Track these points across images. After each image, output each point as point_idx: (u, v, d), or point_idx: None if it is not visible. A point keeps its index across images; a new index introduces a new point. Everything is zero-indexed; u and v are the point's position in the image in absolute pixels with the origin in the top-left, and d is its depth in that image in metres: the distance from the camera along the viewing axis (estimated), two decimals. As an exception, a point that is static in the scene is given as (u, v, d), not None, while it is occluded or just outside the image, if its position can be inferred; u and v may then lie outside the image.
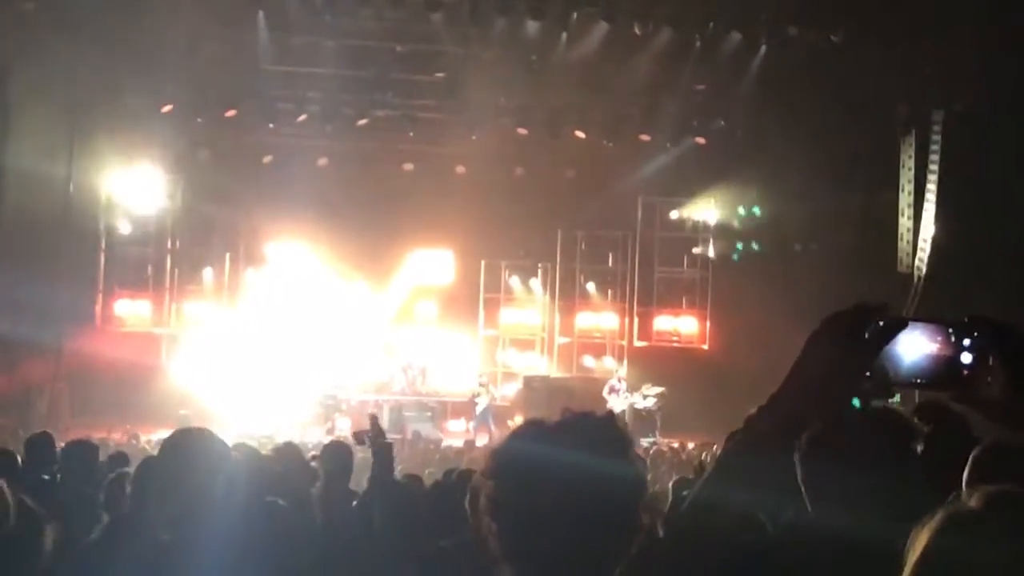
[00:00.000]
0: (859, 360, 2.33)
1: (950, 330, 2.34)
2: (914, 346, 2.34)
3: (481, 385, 29.80)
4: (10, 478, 7.04)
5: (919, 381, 2.36)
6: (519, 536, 2.66)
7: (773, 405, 2.42)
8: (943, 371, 2.33)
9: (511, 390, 31.83)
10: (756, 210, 32.02)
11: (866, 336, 2.34)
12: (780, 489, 2.85)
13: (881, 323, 2.34)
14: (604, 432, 2.91)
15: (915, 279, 28.52)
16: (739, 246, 32.50)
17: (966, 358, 2.32)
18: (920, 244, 28.63)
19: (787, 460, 2.63)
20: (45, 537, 5.68)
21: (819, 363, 2.35)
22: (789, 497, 3.17)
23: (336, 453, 9.48)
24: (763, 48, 29.23)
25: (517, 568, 2.75)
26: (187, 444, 5.14)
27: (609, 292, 34.16)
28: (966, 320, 2.34)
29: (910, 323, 2.36)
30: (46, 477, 8.55)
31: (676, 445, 24.72)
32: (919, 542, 2.13)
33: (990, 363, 2.29)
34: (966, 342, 2.31)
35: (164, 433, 21.63)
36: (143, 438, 21.72)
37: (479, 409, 29.04)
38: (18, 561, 5.50)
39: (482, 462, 3.09)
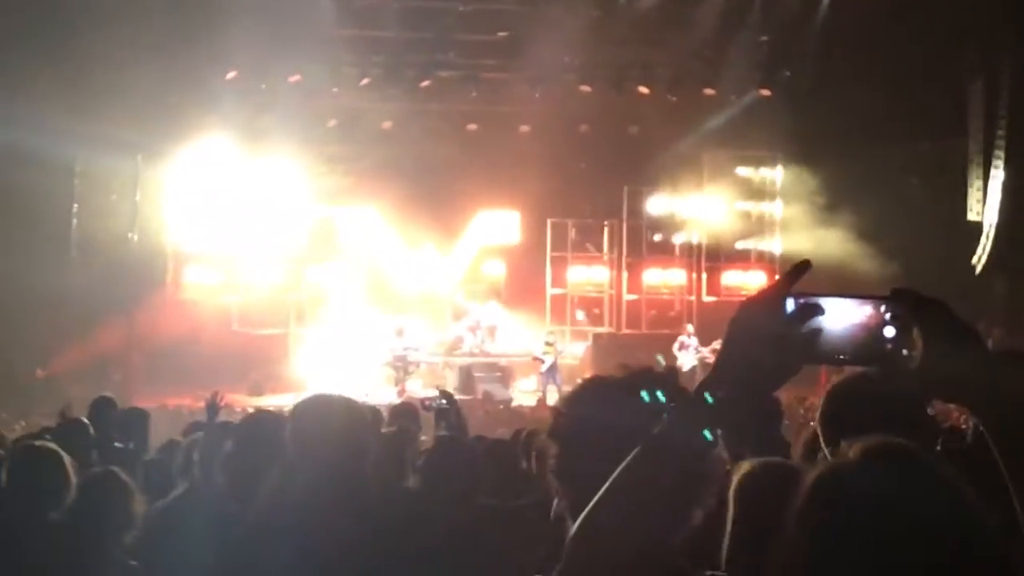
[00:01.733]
0: (781, 341, 2.29)
1: (874, 304, 2.32)
2: (839, 321, 2.31)
3: (548, 344, 29.76)
4: (84, 447, 7.16)
5: (842, 357, 2.33)
6: (585, 495, 2.63)
7: (701, 391, 2.38)
8: (867, 346, 2.31)
9: (580, 348, 31.81)
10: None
11: (787, 313, 2.30)
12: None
13: (801, 302, 2.31)
14: (665, 387, 2.87)
15: (985, 227, 28.24)
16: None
17: (889, 332, 2.30)
18: (990, 192, 28.33)
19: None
20: (135, 506, 5.76)
21: (741, 350, 2.31)
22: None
23: (404, 414, 9.63)
24: (827, -3, 29.01)
25: None
26: (264, 416, 5.20)
27: (676, 248, 34.03)
28: (890, 293, 2.32)
29: (833, 298, 2.33)
30: (119, 445, 8.62)
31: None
32: (799, 493, 2.15)
33: (913, 336, 2.28)
34: (888, 316, 2.29)
35: (238, 398, 21.89)
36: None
37: (544, 367, 29.02)
38: (108, 531, 5.57)
39: (546, 422, 3.08)
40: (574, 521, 2.68)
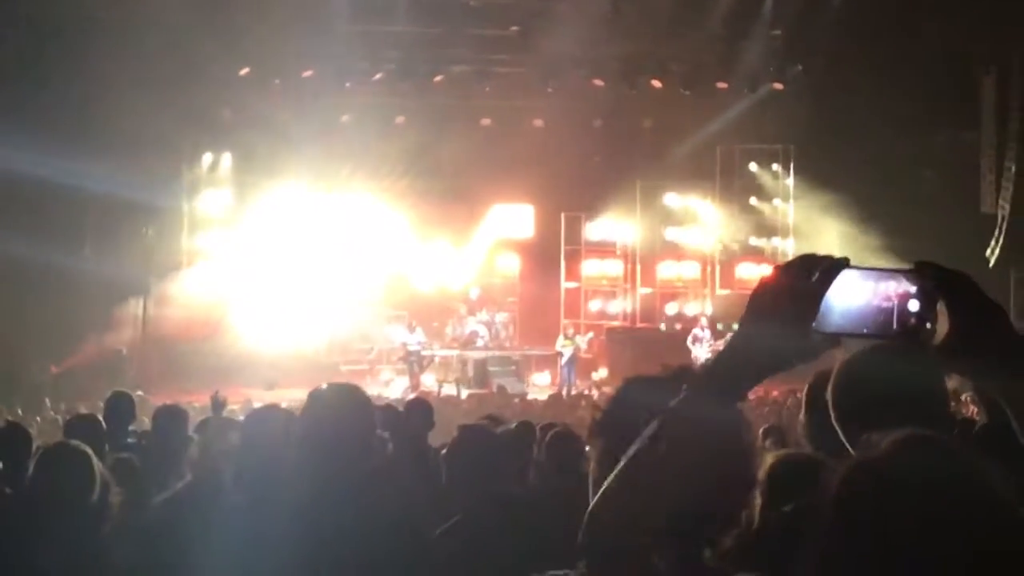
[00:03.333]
0: (805, 308, 2.28)
1: (898, 277, 2.29)
2: (860, 294, 2.29)
3: (567, 337, 29.78)
4: (96, 442, 7.20)
5: (864, 331, 2.31)
6: None
7: (718, 362, 2.36)
8: (889, 320, 2.29)
9: (594, 342, 31.83)
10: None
11: (811, 280, 2.28)
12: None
13: (821, 268, 2.29)
14: None
15: (999, 219, 28.19)
16: None
17: (913, 306, 2.28)
18: (1003, 184, 28.27)
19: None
20: (111, 498, 5.81)
21: (765, 315, 2.30)
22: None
23: (418, 408, 9.63)
24: (840, -10, 28.97)
25: None
26: (265, 410, 5.24)
27: (690, 242, 34.02)
28: (914, 266, 2.30)
29: (858, 270, 2.31)
30: (131, 440, 8.66)
31: (761, 393, 24.59)
32: (829, 488, 2.14)
33: (937, 311, 2.26)
34: (913, 289, 2.27)
35: (253, 393, 21.93)
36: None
37: (564, 360, 29.06)
38: (82, 520, 5.62)
39: (585, 416, 3.08)
40: None
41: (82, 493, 5.66)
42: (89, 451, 5.83)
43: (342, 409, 4.58)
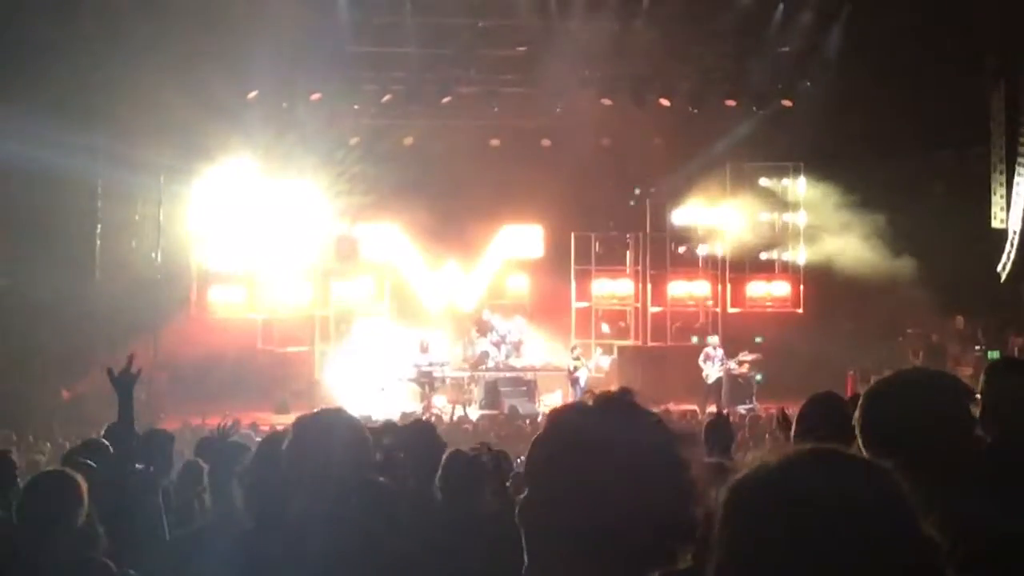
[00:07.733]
0: None
1: None
2: None
3: (575, 359, 29.70)
4: (102, 468, 7.17)
5: None
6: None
7: None
8: None
9: (605, 361, 31.72)
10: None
11: None
12: None
13: None
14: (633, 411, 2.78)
15: (1010, 234, 28.11)
16: None
17: None
18: (1014, 199, 28.20)
19: None
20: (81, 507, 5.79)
21: None
22: None
23: (421, 429, 9.54)
24: (847, 6, 28.95)
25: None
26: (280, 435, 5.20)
27: (700, 260, 33.94)
28: None
29: None
30: (140, 466, 8.59)
31: (773, 411, 24.51)
32: (721, 503, 2.12)
33: None
34: None
35: (264, 416, 21.86)
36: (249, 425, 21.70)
37: (582, 381, 28.96)
38: (71, 546, 5.60)
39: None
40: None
41: (67, 519, 5.63)
42: (78, 477, 5.81)
43: (329, 436, 4.52)
